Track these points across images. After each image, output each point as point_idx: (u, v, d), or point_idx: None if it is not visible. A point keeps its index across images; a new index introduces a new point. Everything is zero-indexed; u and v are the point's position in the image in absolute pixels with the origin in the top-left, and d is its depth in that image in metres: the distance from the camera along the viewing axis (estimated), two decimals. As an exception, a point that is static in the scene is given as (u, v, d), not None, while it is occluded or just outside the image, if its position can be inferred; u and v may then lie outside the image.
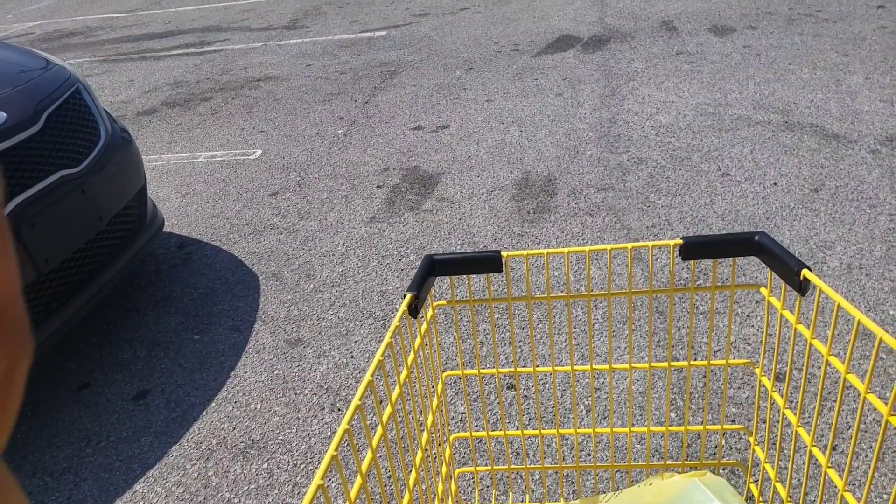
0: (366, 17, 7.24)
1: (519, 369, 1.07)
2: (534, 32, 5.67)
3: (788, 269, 0.85)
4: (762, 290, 0.96)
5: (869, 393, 0.75)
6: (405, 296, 0.92)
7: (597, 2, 6.42)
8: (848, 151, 3.00)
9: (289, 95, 4.95)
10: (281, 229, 3.13)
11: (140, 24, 8.92)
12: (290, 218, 3.21)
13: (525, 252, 0.96)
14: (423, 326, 0.98)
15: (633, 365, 1.08)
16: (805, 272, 0.83)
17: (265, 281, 2.77)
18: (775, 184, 2.85)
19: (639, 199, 2.91)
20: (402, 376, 0.88)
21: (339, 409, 2.08)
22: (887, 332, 1.82)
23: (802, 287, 0.83)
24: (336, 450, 0.67)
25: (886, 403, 0.75)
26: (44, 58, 2.46)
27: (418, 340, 0.96)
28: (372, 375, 0.77)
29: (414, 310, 0.91)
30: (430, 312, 1.00)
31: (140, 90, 5.65)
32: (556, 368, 1.08)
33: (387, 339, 0.84)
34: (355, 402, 0.72)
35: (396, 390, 0.87)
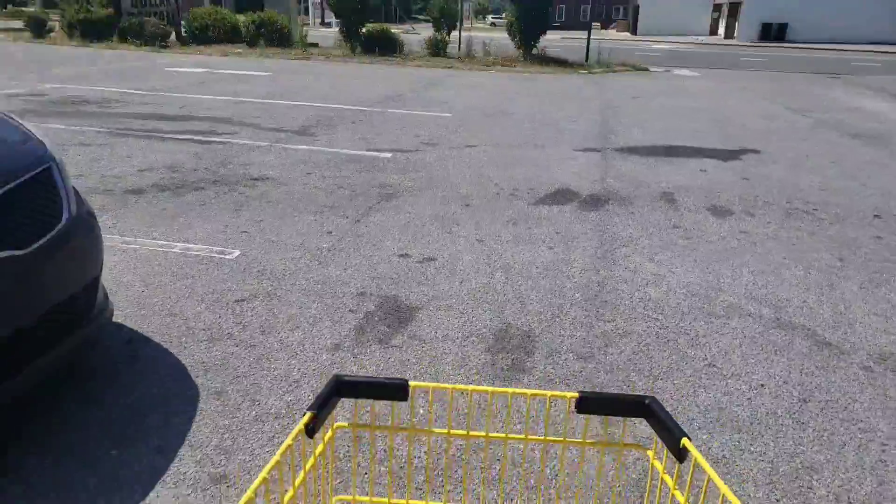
0: (375, 137, 7.39)
1: (411, 502, 1.06)
2: (534, 181, 5.75)
3: (671, 436, 0.90)
4: (648, 452, 1.00)
5: None
6: (304, 414, 0.89)
7: (601, 163, 6.58)
8: (840, 363, 2.88)
9: (282, 200, 4.89)
10: (238, 341, 2.91)
11: (156, 103, 9.09)
12: (251, 330, 3.00)
13: (432, 385, 0.97)
14: (320, 448, 0.96)
15: None
16: (684, 441, 0.87)
17: (206, 398, 2.51)
18: (762, 385, 2.70)
19: (619, 375, 2.74)
20: (287, 497, 0.86)
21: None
22: None
23: (680, 455, 0.88)
24: None
25: None
26: (24, 131, 2.35)
27: (311, 461, 0.93)
28: (253, 493, 0.73)
29: (311, 430, 0.89)
30: (328, 433, 0.99)
31: (135, 168, 5.60)
32: None
33: (275, 458, 0.81)
34: None
35: None
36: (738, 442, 2.33)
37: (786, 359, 2.90)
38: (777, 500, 2.07)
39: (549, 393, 0.98)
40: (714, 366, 2.83)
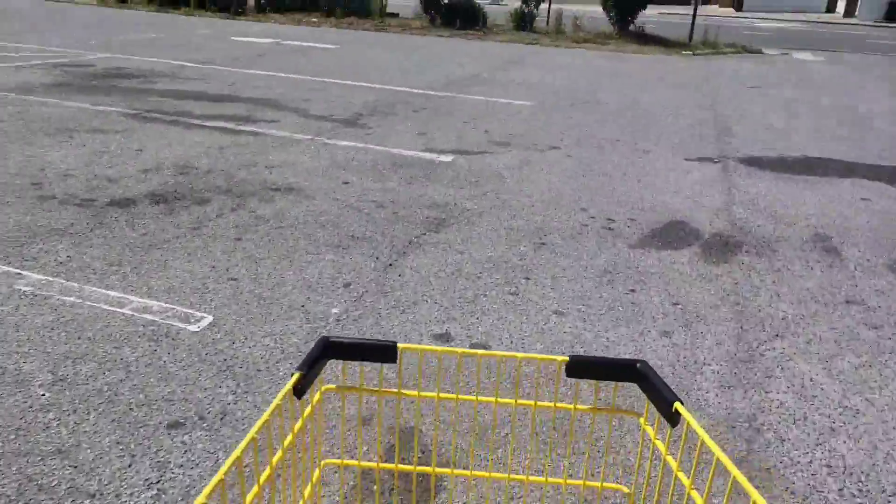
0: (437, 130, 6.13)
1: (400, 466, 1.08)
2: (637, 204, 4.36)
3: (664, 400, 0.87)
4: (640, 418, 1.00)
5: None
6: (293, 374, 0.88)
7: (721, 179, 5.10)
8: None
9: (300, 224, 3.74)
10: (150, 515, 1.76)
11: (204, 78, 8.14)
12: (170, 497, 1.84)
13: (420, 347, 0.96)
14: (308, 410, 0.95)
15: (510, 476, 1.08)
16: (676, 405, 0.85)
17: None
18: None
19: None
20: (276, 458, 0.87)
21: None
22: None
23: (673, 419, 0.86)
24: None
25: None
26: None
27: (299, 423, 0.93)
28: (241, 452, 0.74)
29: (299, 390, 0.88)
30: (316, 395, 0.98)
31: (139, 166, 4.58)
32: (436, 470, 1.10)
33: (265, 417, 0.80)
34: (218, 476, 0.69)
35: (267, 471, 0.85)
36: None
37: None
38: None
39: (539, 357, 0.96)
40: None
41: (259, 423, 0.79)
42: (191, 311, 2.76)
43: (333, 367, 2.43)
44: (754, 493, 0.68)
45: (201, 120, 6.01)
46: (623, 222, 4.07)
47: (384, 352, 0.96)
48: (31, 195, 3.93)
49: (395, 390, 1.04)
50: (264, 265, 3.22)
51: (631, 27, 16.54)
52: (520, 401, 1.02)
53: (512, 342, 2.66)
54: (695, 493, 0.84)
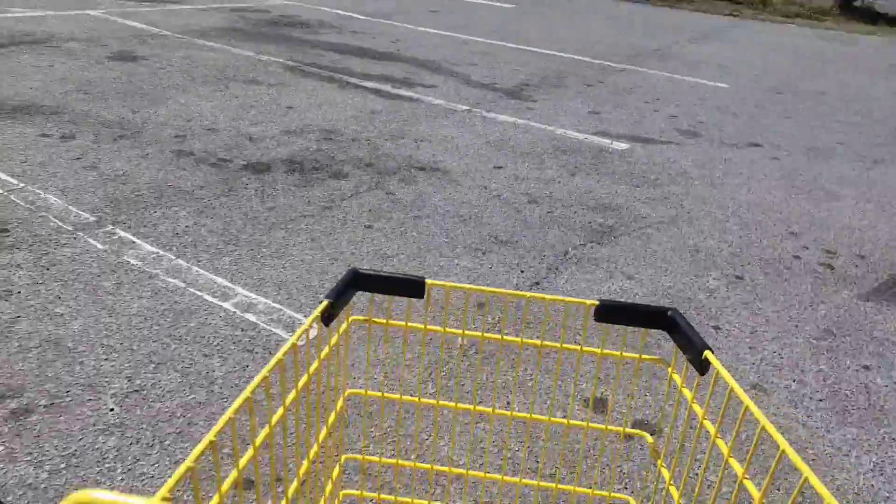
0: (613, 110, 5.32)
1: (423, 400, 1.05)
2: (867, 235, 3.38)
3: (693, 348, 0.87)
4: (668, 367, 0.98)
5: (746, 479, 0.76)
6: (321, 302, 0.89)
7: None
8: None
9: (439, 216, 3.22)
10: None
11: (371, 33, 7.84)
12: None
13: (449, 284, 0.92)
14: (334, 338, 0.95)
15: (532, 416, 1.08)
16: (707, 353, 0.84)
17: None
18: None
19: None
20: (301, 382, 0.87)
21: None
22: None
23: (703, 367, 0.85)
24: (216, 436, 0.61)
25: (759, 490, 0.72)
26: None
27: (325, 351, 0.92)
28: (269, 372, 0.72)
29: (327, 318, 0.86)
30: (343, 326, 0.97)
31: (284, 126, 4.28)
32: (458, 405, 1.08)
33: (292, 340, 0.78)
34: (246, 393, 0.68)
35: (292, 395, 0.84)
36: None
37: None
38: None
39: (568, 299, 0.92)
40: None
41: (286, 345, 0.77)
42: (298, 315, 2.34)
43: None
44: (783, 443, 0.66)
45: (358, 79, 5.66)
46: (848, 259, 3.14)
47: (412, 286, 0.95)
48: (171, 148, 3.74)
49: (422, 325, 1.00)
50: (391, 264, 2.74)
51: (857, 2, 14.21)
52: (546, 342, 1.00)
53: (692, 428, 1.97)
54: (720, 442, 0.81)
